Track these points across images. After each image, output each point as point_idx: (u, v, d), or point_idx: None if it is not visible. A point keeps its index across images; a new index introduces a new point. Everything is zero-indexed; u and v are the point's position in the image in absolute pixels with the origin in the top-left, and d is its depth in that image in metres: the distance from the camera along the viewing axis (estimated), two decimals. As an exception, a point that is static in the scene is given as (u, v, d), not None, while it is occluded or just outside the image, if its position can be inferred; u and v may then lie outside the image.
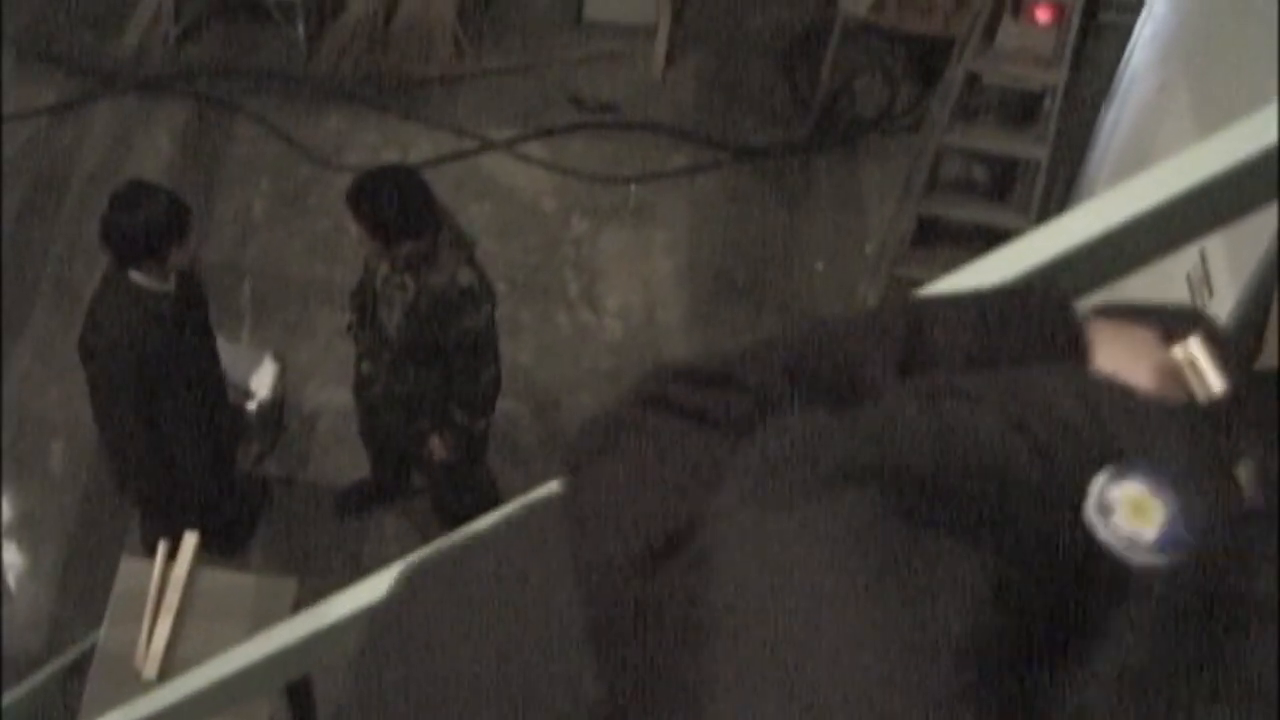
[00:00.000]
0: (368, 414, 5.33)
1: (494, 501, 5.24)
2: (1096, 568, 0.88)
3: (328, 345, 6.26)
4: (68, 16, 7.74)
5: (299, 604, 4.24)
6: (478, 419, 5.04)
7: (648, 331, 6.57)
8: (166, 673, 4.10)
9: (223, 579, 4.53)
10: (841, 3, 7.15)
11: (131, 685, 3.92)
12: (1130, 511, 0.89)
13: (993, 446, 0.93)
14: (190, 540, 4.45)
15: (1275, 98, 1.42)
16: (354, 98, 7.46)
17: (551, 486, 1.24)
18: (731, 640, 0.86)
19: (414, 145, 7.25)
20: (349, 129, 7.34)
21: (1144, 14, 5.78)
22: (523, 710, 1.11)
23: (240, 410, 5.72)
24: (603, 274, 6.79)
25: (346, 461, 5.92)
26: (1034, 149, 6.10)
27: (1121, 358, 1.10)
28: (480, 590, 1.21)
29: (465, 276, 4.68)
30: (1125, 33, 5.94)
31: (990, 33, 5.96)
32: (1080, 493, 0.91)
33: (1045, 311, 1.15)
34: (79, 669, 4.73)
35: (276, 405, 5.96)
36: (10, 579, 5.69)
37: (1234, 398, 1.08)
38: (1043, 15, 6.06)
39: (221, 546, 5.37)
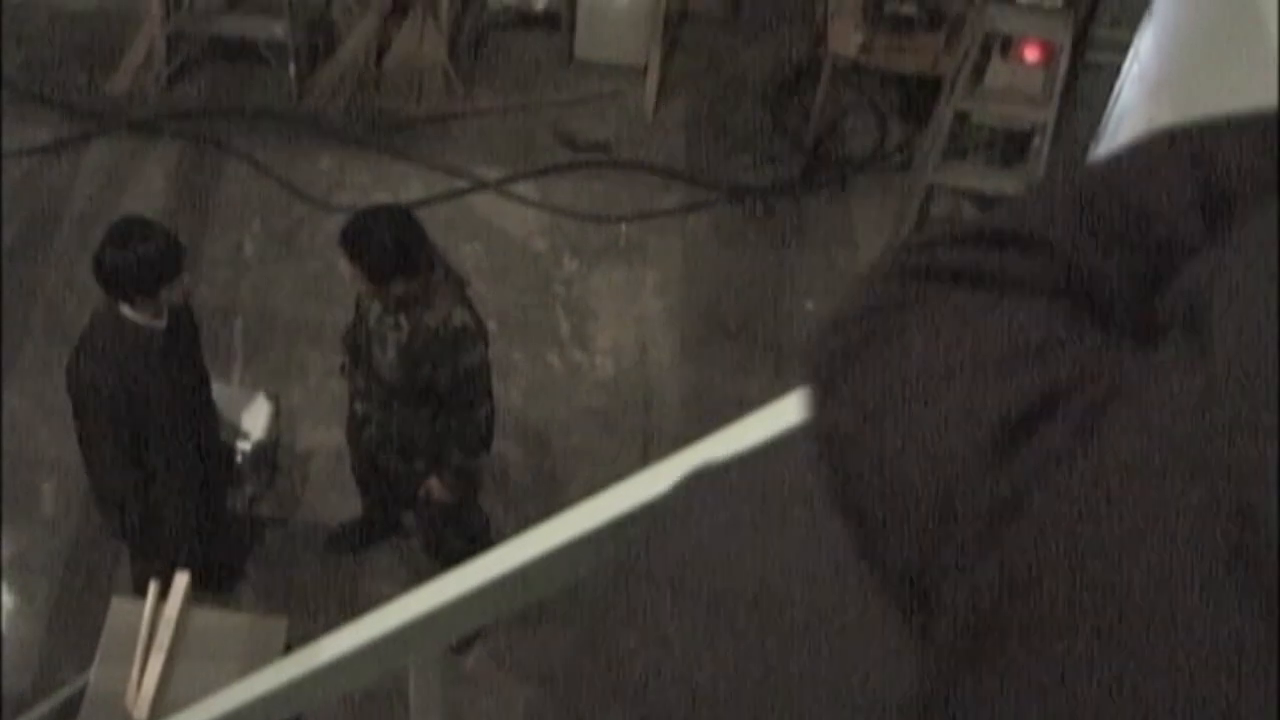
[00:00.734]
0: (361, 454, 5.33)
1: (487, 542, 5.23)
2: None
3: (320, 385, 6.26)
4: (61, 56, 7.77)
5: (291, 644, 4.23)
6: (474, 458, 5.04)
7: (639, 371, 6.57)
8: (157, 714, 4.09)
9: (214, 619, 4.52)
10: (831, 43, 7.19)
11: (122, 726, 3.91)
12: None
13: None
14: (181, 580, 4.43)
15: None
16: (345, 138, 7.48)
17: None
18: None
19: (405, 185, 7.27)
20: (340, 169, 7.36)
21: (1131, 53, 5.82)
22: (811, 629, 0.98)
23: (232, 450, 5.70)
24: (594, 313, 6.80)
25: (338, 501, 5.91)
26: (1023, 187, 6.13)
27: None
28: (768, 500, 1.06)
29: (459, 316, 4.68)
30: (1113, 71, 5.96)
31: (979, 72, 6.00)
32: None
33: None
34: (70, 710, 4.70)
35: (270, 447, 5.95)
36: (2, 620, 5.66)
37: None
38: (1031, 55, 6.10)
39: (211, 586, 5.35)
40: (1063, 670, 0.70)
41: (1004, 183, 6.29)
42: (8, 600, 5.72)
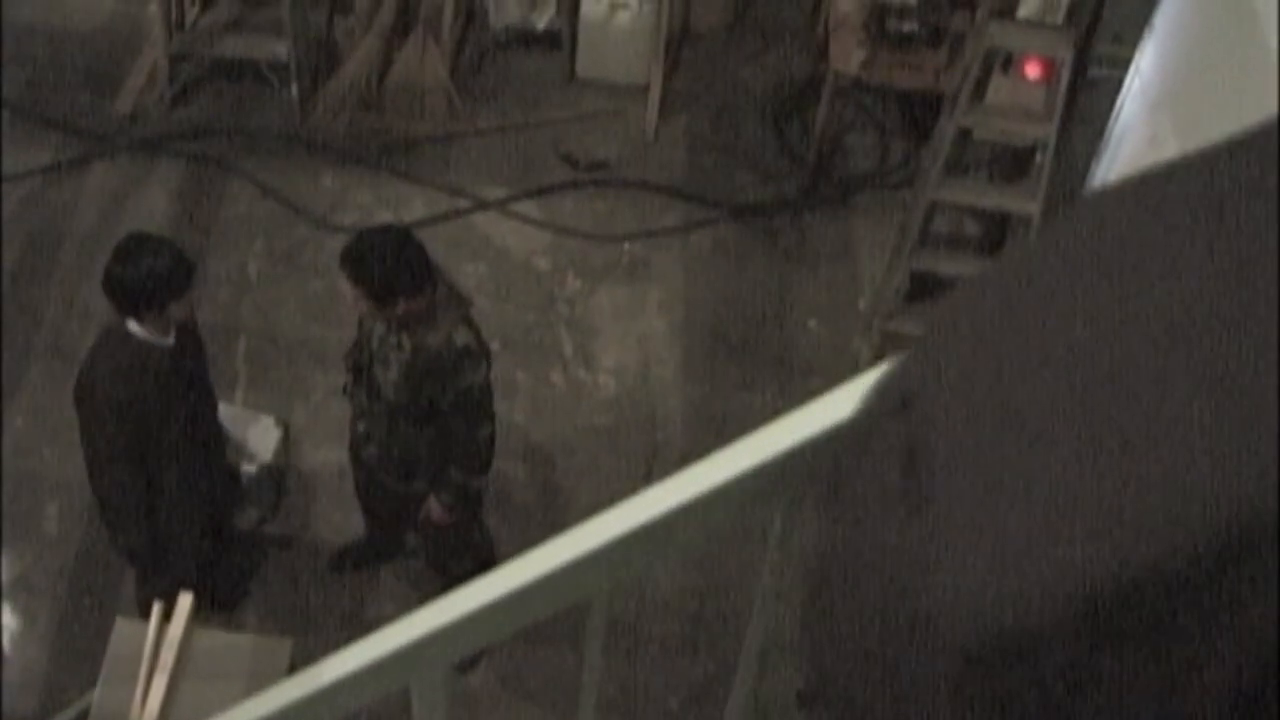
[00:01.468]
0: (364, 474, 5.32)
1: (492, 561, 5.23)
2: None
3: (323, 405, 6.25)
4: (63, 77, 7.78)
5: (295, 664, 4.23)
6: (475, 478, 5.03)
7: (643, 389, 6.57)
8: (161, 735, 4.08)
9: (218, 639, 4.52)
10: (833, 60, 7.19)
11: (126, 747, 3.91)
12: None
13: None
14: (185, 601, 4.44)
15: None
16: (347, 158, 7.49)
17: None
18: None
19: (407, 205, 7.28)
20: (343, 189, 7.36)
21: (1133, 68, 5.83)
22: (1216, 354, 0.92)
23: (237, 471, 5.70)
24: (597, 332, 6.80)
25: (341, 521, 5.91)
26: (1026, 203, 6.13)
27: None
28: (1181, 217, 1.00)
29: (461, 335, 4.68)
30: (1115, 87, 5.98)
31: (981, 88, 6.00)
32: None
33: None
34: (74, 731, 4.71)
35: (278, 470, 5.94)
36: (5, 640, 5.65)
37: None
38: (1033, 71, 6.11)
39: (215, 607, 5.35)
40: None
41: (1006, 199, 6.29)
42: (11, 621, 5.71)
